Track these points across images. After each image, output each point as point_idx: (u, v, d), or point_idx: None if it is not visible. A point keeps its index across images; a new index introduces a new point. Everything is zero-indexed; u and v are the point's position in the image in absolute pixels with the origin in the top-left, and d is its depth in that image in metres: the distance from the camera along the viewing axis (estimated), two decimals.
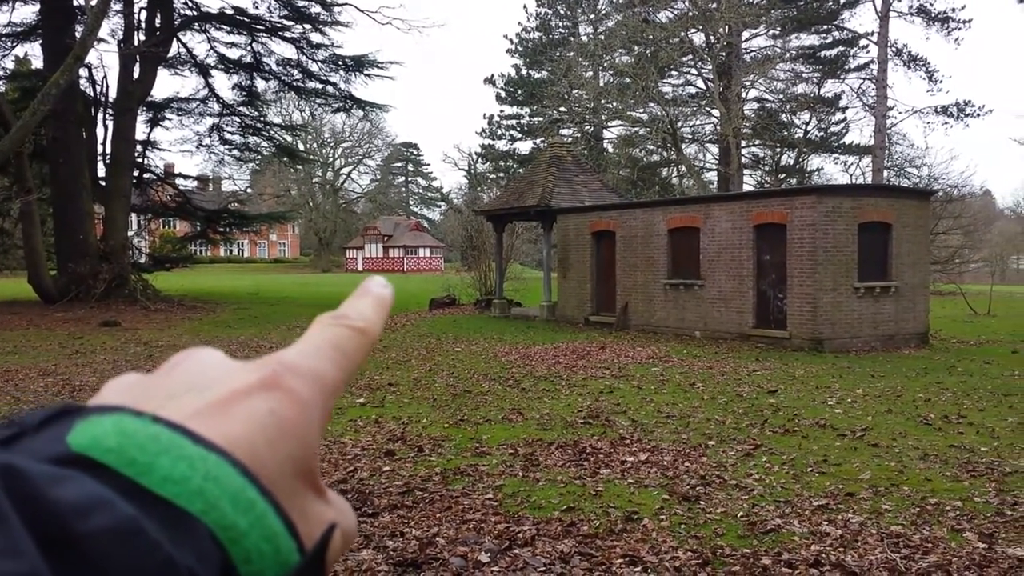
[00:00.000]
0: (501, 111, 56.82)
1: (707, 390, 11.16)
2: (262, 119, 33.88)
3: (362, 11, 29.15)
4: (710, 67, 39.67)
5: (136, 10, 27.40)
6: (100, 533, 0.30)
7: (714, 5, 36.32)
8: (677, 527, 5.59)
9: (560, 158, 24.15)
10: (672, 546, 5.21)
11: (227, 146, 33.12)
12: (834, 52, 43.53)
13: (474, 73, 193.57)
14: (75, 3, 25.74)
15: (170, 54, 28.62)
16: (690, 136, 46.17)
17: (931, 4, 37.14)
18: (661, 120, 39.90)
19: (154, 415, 0.35)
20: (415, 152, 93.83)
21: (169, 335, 18.62)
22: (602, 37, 45.88)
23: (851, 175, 44.19)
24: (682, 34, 38.16)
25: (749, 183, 46.30)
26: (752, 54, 41.91)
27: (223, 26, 29.39)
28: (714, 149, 46.52)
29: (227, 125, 32.20)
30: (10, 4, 26.77)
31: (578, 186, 23.37)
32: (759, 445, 7.93)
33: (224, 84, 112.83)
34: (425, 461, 7.34)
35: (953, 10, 37.19)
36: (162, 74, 28.94)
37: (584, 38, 50.64)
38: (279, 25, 29.60)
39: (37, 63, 29.06)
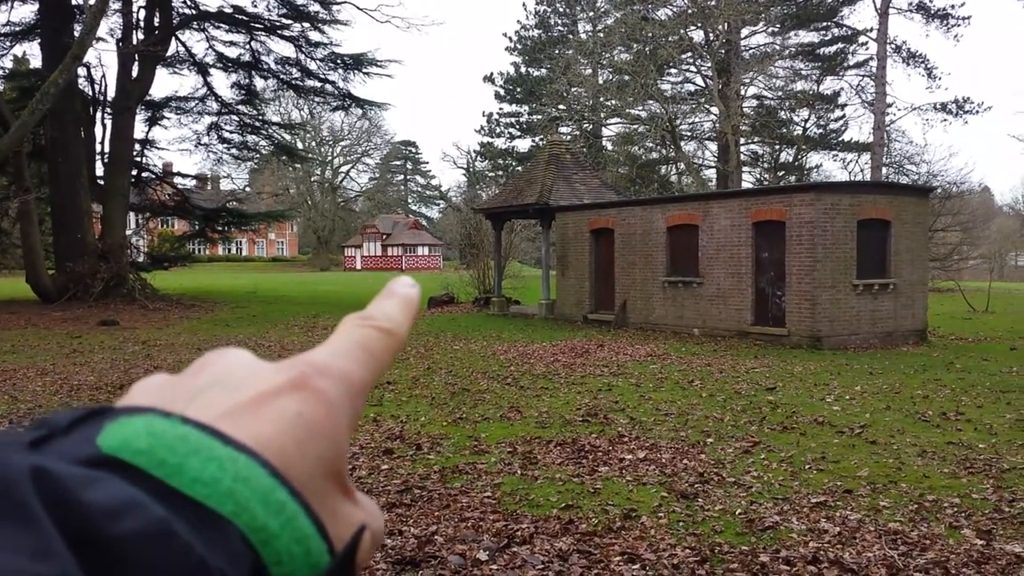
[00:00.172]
0: (500, 109, 56.81)
1: (705, 388, 11.17)
2: (261, 118, 33.87)
3: (361, 9, 29.06)
4: (709, 64, 39.68)
5: (135, 9, 27.40)
6: (132, 535, 0.30)
7: (713, 2, 36.31)
8: (675, 524, 5.59)
9: (559, 156, 24.14)
10: (670, 544, 5.22)
11: (225, 145, 33.11)
12: (833, 49, 43.51)
13: (473, 71, 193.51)
14: (74, 2, 25.73)
15: (169, 53, 28.60)
16: (689, 133, 46.19)
17: (930, 1, 37.13)
18: (660, 117, 39.90)
19: (183, 416, 0.35)
20: (414, 150, 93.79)
21: (167, 334, 18.61)
22: (601, 35, 45.87)
23: (850, 172, 44.21)
24: (681, 31, 38.15)
25: (748, 180, 46.31)
26: (751, 51, 41.92)
27: (222, 25, 29.37)
28: (713, 146, 46.55)
29: (226, 124, 32.20)
30: (8, 3, 26.76)
31: (577, 184, 23.36)
32: (757, 442, 7.94)
33: (223, 83, 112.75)
34: (423, 459, 7.34)
35: (952, 7, 37.18)
36: (161, 73, 28.95)
37: (583, 36, 50.63)
38: (278, 23, 29.59)
39: (36, 62, 29.10)
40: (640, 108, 42.21)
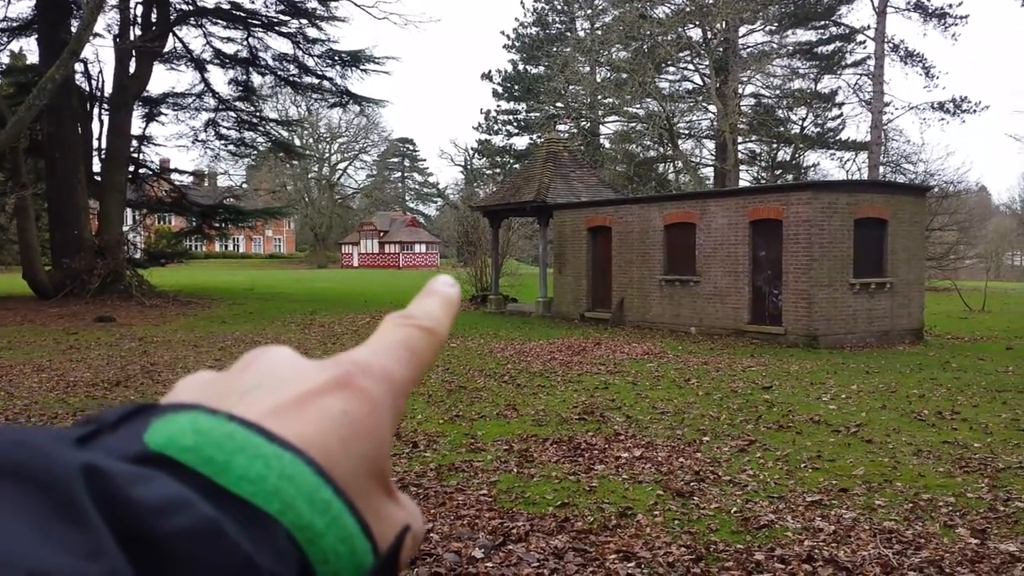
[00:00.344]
0: (498, 106, 56.78)
1: (702, 386, 11.18)
2: (258, 114, 33.80)
3: (358, 6, 28.99)
4: (707, 63, 39.70)
5: (132, 5, 27.33)
6: (182, 533, 0.30)
7: (711, 1, 36.29)
8: (671, 523, 5.60)
9: (556, 154, 24.14)
10: (666, 542, 5.22)
11: (223, 141, 33.04)
12: (831, 48, 43.55)
13: (471, 69, 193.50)
14: None
15: (166, 49, 28.54)
16: (687, 132, 46.20)
17: (928, 0, 37.15)
18: (658, 116, 39.92)
19: (229, 413, 0.35)
20: (411, 148, 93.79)
21: (164, 331, 18.59)
22: (599, 32, 45.84)
23: (847, 171, 44.30)
24: (679, 29, 38.15)
25: (745, 179, 46.37)
26: (749, 50, 41.96)
27: (219, 21, 29.31)
28: (710, 145, 46.55)
29: (223, 120, 32.14)
30: None
31: (574, 182, 23.36)
32: (753, 441, 7.95)
33: (220, 79, 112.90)
34: (420, 457, 7.34)
35: (950, 5, 37.22)
36: (158, 69, 28.78)
37: (581, 33, 50.60)
38: (275, 20, 29.53)
39: (33, 58, 29.03)
40: (638, 106, 42.24)
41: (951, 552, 5.04)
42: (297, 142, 63.79)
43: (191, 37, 41.35)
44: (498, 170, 56.39)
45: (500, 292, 25.02)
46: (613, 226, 20.31)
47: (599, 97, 45.04)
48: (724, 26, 38.83)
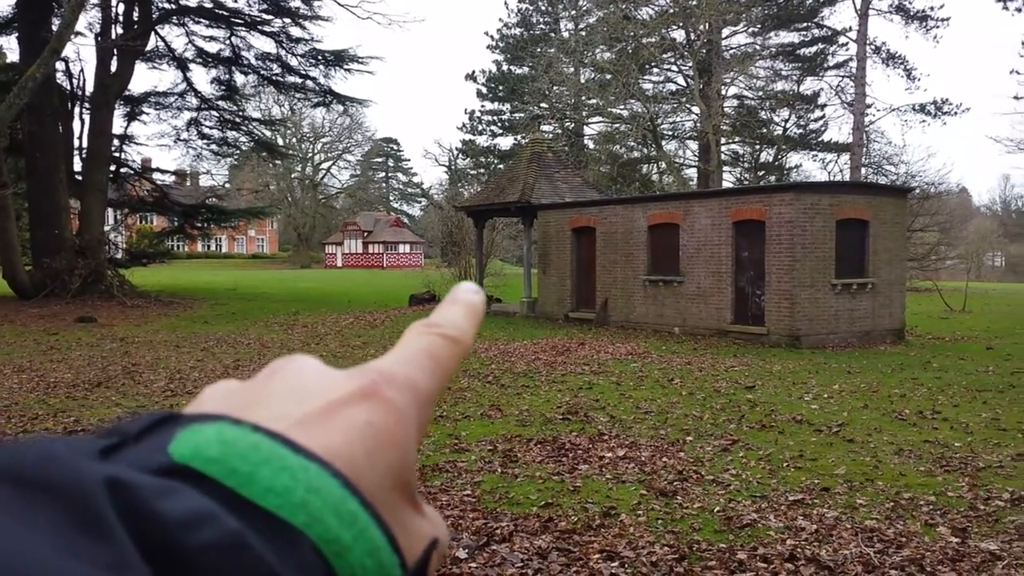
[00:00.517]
0: (482, 107, 56.75)
1: (685, 386, 11.21)
2: (241, 113, 33.64)
3: (342, 5, 28.91)
4: (690, 64, 39.81)
5: (114, 3, 27.13)
6: (207, 547, 0.29)
7: (694, 2, 36.40)
8: (654, 522, 5.61)
9: (541, 154, 24.15)
10: (649, 541, 5.24)
11: (205, 141, 32.85)
12: (813, 50, 43.76)
13: (455, 69, 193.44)
14: None
15: (148, 48, 28.35)
16: (670, 133, 46.33)
17: (910, 2, 37.39)
18: (641, 117, 40.00)
19: (255, 424, 0.34)
20: (395, 148, 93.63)
21: (145, 331, 18.48)
22: (583, 33, 45.93)
23: (829, 172, 44.50)
24: (663, 31, 38.24)
25: (728, 180, 46.56)
26: (732, 51, 42.09)
27: (201, 20, 29.14)
28: (694, 146, 46.70)
29: (205, 119, 31.95)
30: None
31: (559, 182, 23.38)
32: (736, 440, 7.98)
33: (202, 78, 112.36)
34: None
35: (932, 8, 37.45)
36: (140, 68, 28.72)
37: (565, 34, 50.68)
38: (258, 19, 29.39)
39: (13, 56, 28.71)
40: (622, 107, 42.31)
41: (932, 551, 5.07)
42: (280, 142, 63.55)
43: (173, 36, 41.24)
44: (482, 170, 56.38)
45: (484, 292, 25.00)
46: (597, 226, 20.35)
47: (583, 98, 45.12)
48: (707, 28, 38.96)
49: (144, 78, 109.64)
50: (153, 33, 28.20)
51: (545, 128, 45.35)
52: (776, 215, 16.08)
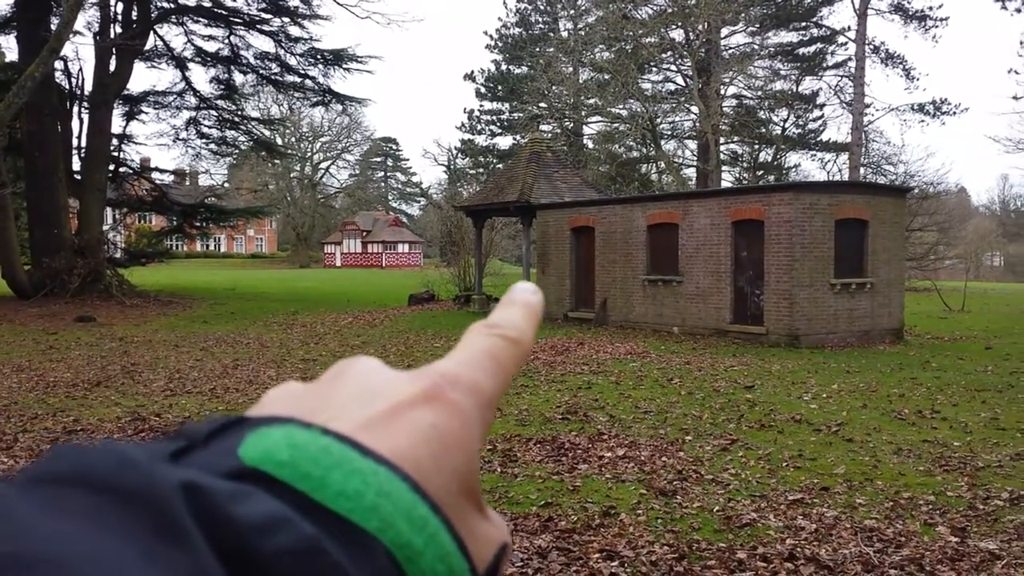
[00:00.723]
0: (481, 106, 56.76)
1: (684, 385, 11.22)
2: (240, 113, 33.60)
3: (341, 4, 28.88)
4: (689, 64, 39.80)
5: (112, 2, 27.11)
6: (283, 553, 0.29)
7: (693, 2, 36.41)
8: (654, 522, 5.62)
9: (540, 154, 24.15)
10: (649, 540, 5.24)
11: (204, 140, 32.81)
12: (812, 49, 43.78)
13: (454, 68, 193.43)
14: None
15: (147, 47, 28.32)
16: (669, 132, 46.35)
17: (908, 2, 37.40)
18: (640, 116, 40.00)
19: (323, 427, 0.34)
20: (394, 147, 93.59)
21: (145, 331, 18.48)
22: (582, 33, 45.92)
23: (828, 172, 44.54)
24: (661, 31, 38.24)
25: (727, 179, 46.56)
26: (731, 51, 42.10)
27: (200, 19, 29.12)
28: (693, 145, 46.72)
29: (204, 119, 31.91)
30: None
31: (558, 182, 23.38)
32: (735, 440, 7.98)
33: (201, 77, 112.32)
34: None
35: (931, 8, 37.47)
36: (138, 67, 28.69)
37: (564, 34, 50.69)
38: (257, 18, 29.37)
39: (12, 55, 28.67)
40: (621, 107, 42.30)
41: (931, 550, 5.08)
42: (279, 141, 63.51)
43: (172, 35, 41.20)
44: (481, 170, 56.39)
45: (484, 292, 25.01)
46: (596, 226, 20.35)
47: (582, 97, 45.12)
48: (706, 27, 38.96)
49: (143, 77, 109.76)
50: (152, 32, 28.18)
51: (544, 128, 45.34)
52: (775, 215, 16.08)
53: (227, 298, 28.60)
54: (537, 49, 48.96)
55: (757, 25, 42.15)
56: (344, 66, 31.02)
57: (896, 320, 17.30)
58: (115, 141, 28.76)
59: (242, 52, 30.35)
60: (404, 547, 0.32)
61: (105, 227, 28.77)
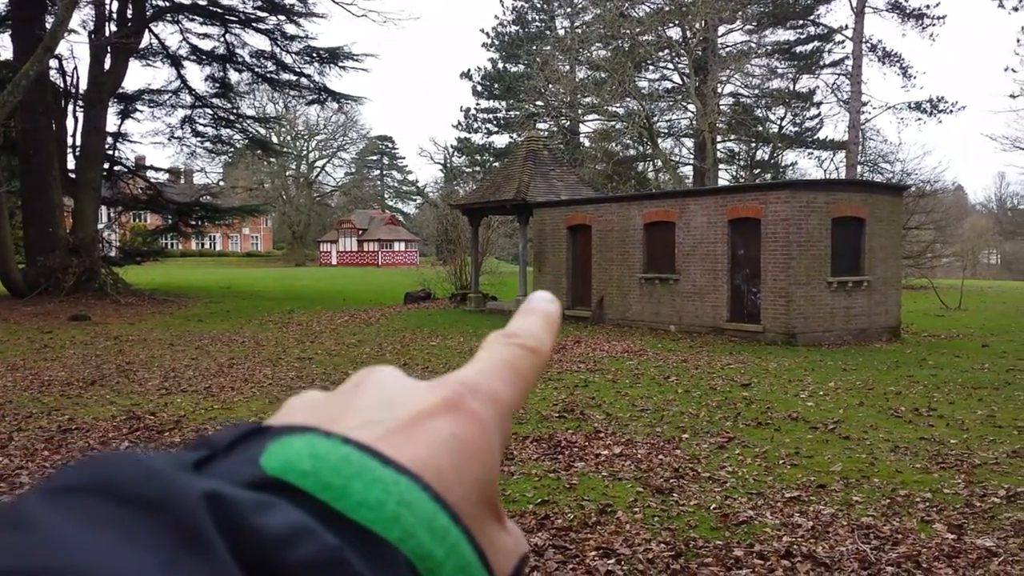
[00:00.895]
0: (477, 104, 56.77)
1: (681, 383, 11.20)
2: (235, 111, 33.51)
3: (337, 2, 28.79)
4: (686, 62, 39.78)
5: (108, 1, 27.05)
6: (306, 564, 0.29)
7: (690, 0, 36.41)
8: (651, 519, 5.60)
9: (536, 152, 24.13)
10: (645, 538, 5.22)
11: (199, 138, 32.74)
12: (809, 47, 43.81)
13: (450, 67, 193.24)
14: None
15: (142, 45, 28.23)
16: (666, 131, 46.35)
17: (906, 0, 37.43)
18: (637, 115, 39.98)
19: (344, 436, 0.34)
20: (390, 145, 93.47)
21: (139, 329, 18.43)
22: (579, 31, 45.89)
23: (825, 170, 44.55)
24: (658, 29, 38.23)
25: (724, 178, 46.57)
26: (728, 49, 42.10)
27: (196, 17, 29.03)
28: (690, 144, 46.74)
29: (199, 117, 31.83)
30: None
31: (554, 180, 23.36)
32: (732, 438, 7.97)
33: (196, 76, 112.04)
34: None
35: (928, 6, 37.51)
36: (133, 65, 28.55)
37: (561, 32, 50.65)
38: (253, 16, 29.29)
39: (6, 54, 28.54)
40: (618, 105, 42.29)
41: (928, 547, 5.06)
42: (275, 139, 63.51)
43: (167, 33, 41.09)
44: (478, 168, 56.42)
45: (480, 290, 24.99)
46: (593, 224, 20.33)
47: (579, 96, 45.09)
48: (703, 25, 38.94)
49: (138, 75, 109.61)
50: (147, 30, 28.09)
51: (541, 126, 45.31)
52: (772, 213, 16.07)
53: (222, 297, 28.54)
54: (534, 47, 48.97)
55: (754, 23, 42.16)
56: (340, 64, 30.96)
57: (893, 318, 17.30)
58: (110, 139, 28.69)
59: (238, 50, 30.28)
60: (425, 558, 0.32)
61: (100, 226, 28.74)
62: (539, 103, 45.64)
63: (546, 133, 44.20)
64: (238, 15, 29.11)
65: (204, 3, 28.47)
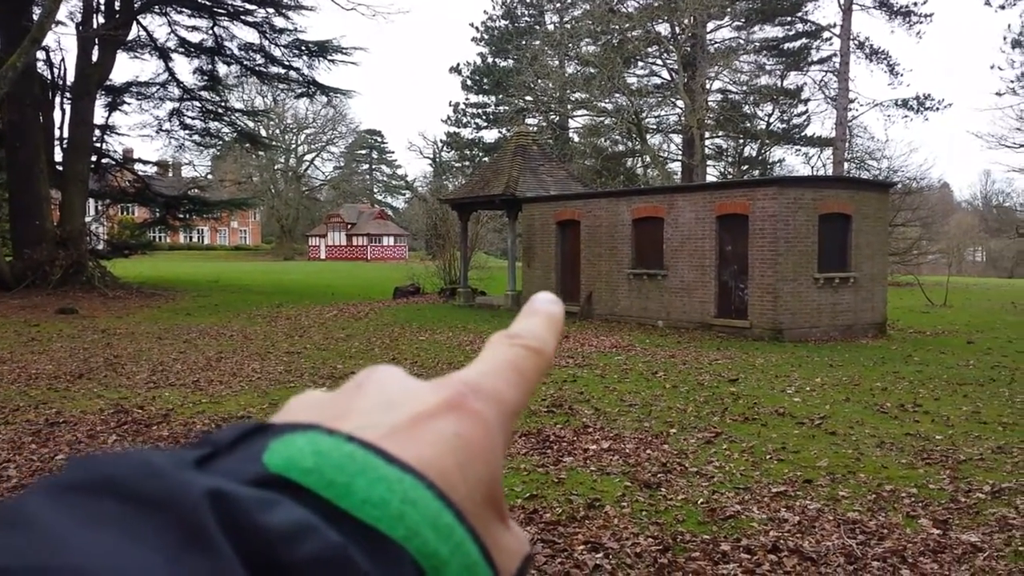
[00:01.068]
0: (467, 99, 56.69)
1: (669, 379, 11.25)
2: (223, 104, 33.40)
3: None
4: (675, 58, 39.86)
5: None
6: (310, 561, 0.29)
7: None
8: (638, 514, 5.63)
9: (526, 147, 24.12)
10: (633, 532, 5.25)
11: (187, 131, 32.61)
12: (797, 44, 43.94)
13: (440, 61, 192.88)
14: None
15: (129, 37, 28.09)
16: (655, 127, 46.40)
17: None
18: (626, 110, 40.04)
19: (348, 434, 0.33)
20: (379, 139, 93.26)
21: (127, 323, 18.37)
22: (568, 26, 45.87)
23: (812, 167, 44.75)
24: (647, 25, 38.26)
25: (712, 174, 46.69)
26: (716, 46, 42.19)
27: (184, 9, 28.90)
28: (678, 140, 46.81)
29: (187, 110, 31.71)
30: None
31: (543, 175, 23.37)
32: (719, 433, 8.01)
33: (185, 68, 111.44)
34: None
35: (915, 4, 37.68)
36: (121, 57, 28.35)
37: (550, 27, 50.61)
38: (241, 9, 29.16)
39: None
40: (606, 101, 42.33)
41: (914, 542, 5.11)
42: (263, 133, 63.16)
43: (155, 25, 40.68)
44: (467, 163, 56.36)
45: (469, 285, 25.00)
46: (582, 220, 20.36)
47: (568, 91, 45.08)
48: (692, 21, 39.01)
49: (126, 68, 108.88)
50: (135, 22, 27.94)
51: (530, 121, 45.32)
52: (759, 209, 16.13)
53: (210, 290, 28.46)
54: (523, 42, 48.91)
55: (742, 20, 42.26)
56: (329, 57, 30.88)
57: (879, 314, 17.40)
58: (97, 132, 28.55)
59: (226, 43, 30.17)
60: (430, 556, 0.32)
61: (87, 218, 28.60)
62: (528, 98, 45.66)
63: (535, 128, 44.18)
64: (226, 7, 28.98)
65: None
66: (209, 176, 57.24)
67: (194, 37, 30.07)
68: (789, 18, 42.80)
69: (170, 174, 41.35)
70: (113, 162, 30.95)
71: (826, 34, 42.01)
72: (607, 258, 19.64)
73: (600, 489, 6.19)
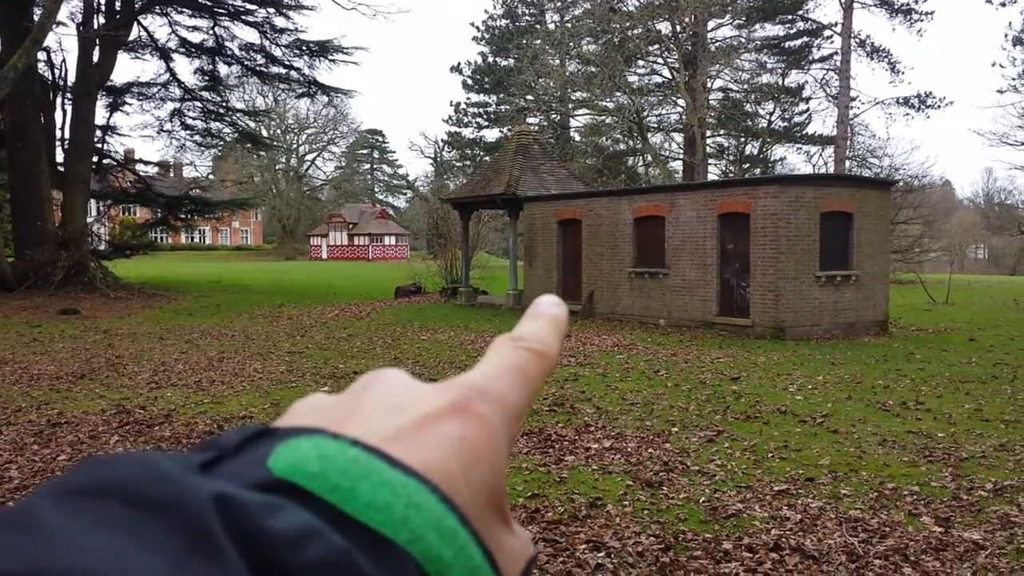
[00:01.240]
0: (468, 99, 56.62)
1: (671, 377, 11.24)
2: (224, 104, 33.39)
3: None
4: (676, 56, 39.83)
5: None
6: (315, 566, 0.29)
7: None
8: (640, 513, 5.63)
9: (527, 146, 24.12)
10: (635, 531, 5.25)
11: (189, 132, 32.62)
12: (798, 43, 43.89)
13: (440, 60, 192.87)
14: None
15: (130, 38, 28.08)
16: (656, 125, 46.34)
17: None
18: (627, 109, 40.00)
19: (353, 438, 0.34)
20: (380, 139, 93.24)
21: (129, 323, 18.38)
22: (569, 26, 45.84)
23: (814, 165, 44.73)
24: (648, 23, 38.23)
25: (714, 172, 46.65)
26: (717, 44, 42.13)
27: (185, 9, 28.89)
28: (679, 138, 46.75)
29: (189, 110, 31.71)
30: None
31: (544, 174, 23.36)
32: (721, 431, 8.01)
33: (186, 69, 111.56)
34: None
35: (916, 2, 37.63)
36: (122, 58, 28.37)
37: (551, 26, 50.55)
38: (242, 9, 29.15)
39: None
40: (608, 100, 42.30)
41: (916, 540, 5.11)
42: (264, 133, 63.18)
43: (156, 26, 40.66)
44: (468, 162, 56.32)
45: (470, 284, 24.99)
46: (583, 219, 20.35)
47: (569, 90, 45.07)
48: (693, 20, 38.97)
49: (127, 68, 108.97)
50: (136, 23, 27.94)
51: (531, 120, 45.30)
52: (761, 208, 16.12)
53: (212, 290, 28.46)
54: (524, 41, 48.83)
55: (744, 18, 42.20)
56: (330, 57, 30.87)
57: (881, 312, 17.39)
58: (99, 132, 28.55)
59: (227, 43, 30.16)
60: (434, 560, 0.32)
61: (89, 219, 28.60)
62: (529, 97, 45.63)
63: (536, 127, 44.15)
64: (227, 7, 28.98)
65: None
66: (210, 176, 57.25)
67: (195, 37, 30.09)
68: (790, 16, 42.75)
69: (171, 174, 41.39)
70: (114, 163, 30.96)
71: (827, 32, 41.97)
72: (608, 257, 19.63)
73: (602, 488, 6.19)
